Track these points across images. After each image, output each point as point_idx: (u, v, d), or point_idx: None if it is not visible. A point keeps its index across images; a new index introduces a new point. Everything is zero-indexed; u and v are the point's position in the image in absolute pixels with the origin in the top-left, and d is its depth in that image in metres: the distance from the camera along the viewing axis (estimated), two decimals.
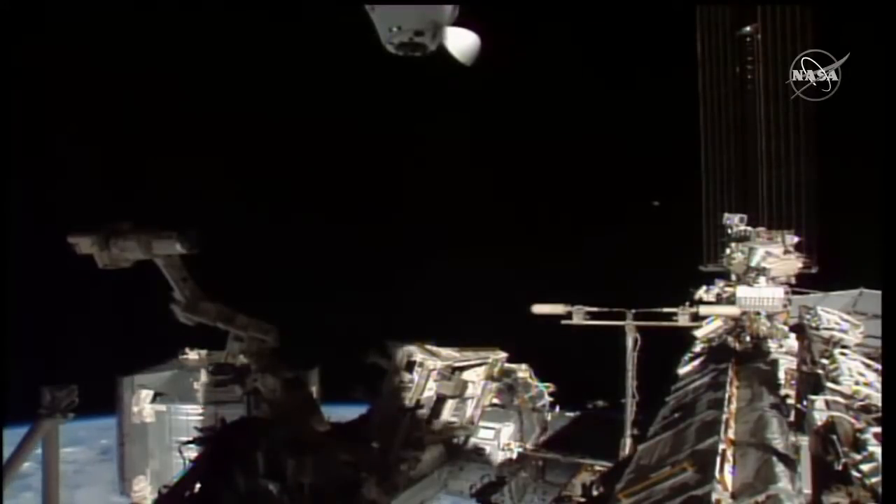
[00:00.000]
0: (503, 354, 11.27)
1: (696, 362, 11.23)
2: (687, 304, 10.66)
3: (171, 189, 27.83)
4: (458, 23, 4.08)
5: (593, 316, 10.16)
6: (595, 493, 8.94)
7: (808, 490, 4.98)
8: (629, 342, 9.98)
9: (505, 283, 27.34)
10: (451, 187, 33.61)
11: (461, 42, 4.12)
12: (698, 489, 5.10)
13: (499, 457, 11.06)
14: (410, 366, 9.42)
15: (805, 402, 5.76)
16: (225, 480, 6.84)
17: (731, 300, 11.45)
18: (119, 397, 10.54)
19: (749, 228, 14.29)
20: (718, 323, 11.62)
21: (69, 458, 28.65)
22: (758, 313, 10.86)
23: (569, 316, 10.23)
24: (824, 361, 7.24)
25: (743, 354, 10.15)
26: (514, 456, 11.13)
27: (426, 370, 9.34)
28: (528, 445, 11.59)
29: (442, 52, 4.12)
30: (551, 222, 32.63)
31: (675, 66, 23.18)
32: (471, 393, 10.44)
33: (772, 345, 10.06)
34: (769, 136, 19.83)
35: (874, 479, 4.30)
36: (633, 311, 9.97)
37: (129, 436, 10.49)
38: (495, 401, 11.81)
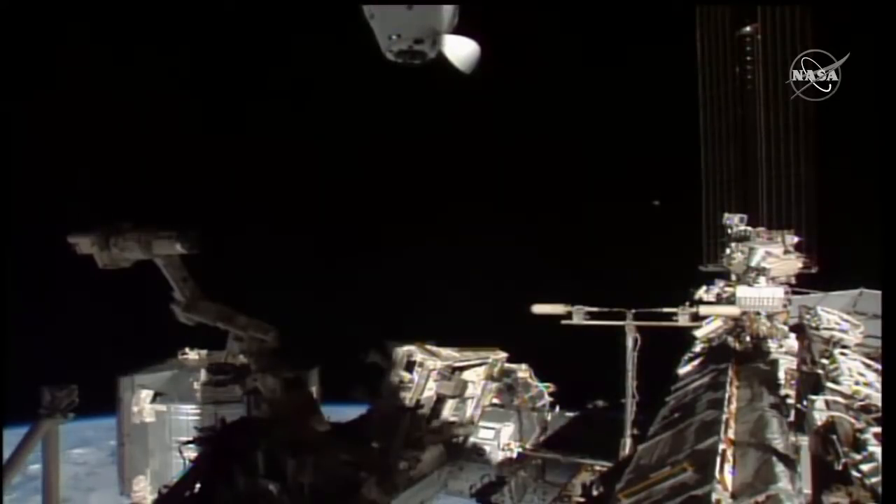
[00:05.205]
0: (503, 354, 11.27)
1: (696, 362, 11.22)
2: (687, 304, 10.65)
3: (171, 189, 27.87)
4: (458, 30, 4.08)
5: (593, 316, 10.14)
6: (595, 493, 8.93)
7: (808, 490, 4.99)
8: (629, 342, 9.97)
9: (505, 282, 27.38)
10: (450, 188, 33.65)
11: (461, 50, 4.13)
12: (698, 489, 5.10)
13: (499, 457, 11.05)
14: (410, 366, 9.43)
15: (805, 402, 5.76)
16: (225, 480, 6.85)
17: (731, 300, 11.44)
18: (119, 397, 10.54)
19: (749, 228, 14.28)
20: (718, 323, 11.62)
21: (79, 459, 28.55)
22: (758, 313, 10.86)
23: (569, 316, 10.21)
24: (824, 361, 7.23)
25: (743, 354, 10.14)
26: (514, 456, 11.12)
27: (426, 370, 9.34)
28: (528, 445, 11.58)
29: (442, 59, 4.13)
30: (552, 222, 32.64)
31: (675, 66, 23.20)
32: (471, 393, 10.44)
33: (772, 345, 10.06)
34: (769, 135, 19.84)
35: (874, 479, 4.30)
36: (633, 311, 9.95)
37: (129, 436, 10.49)
38: (495, 401, 11.81)
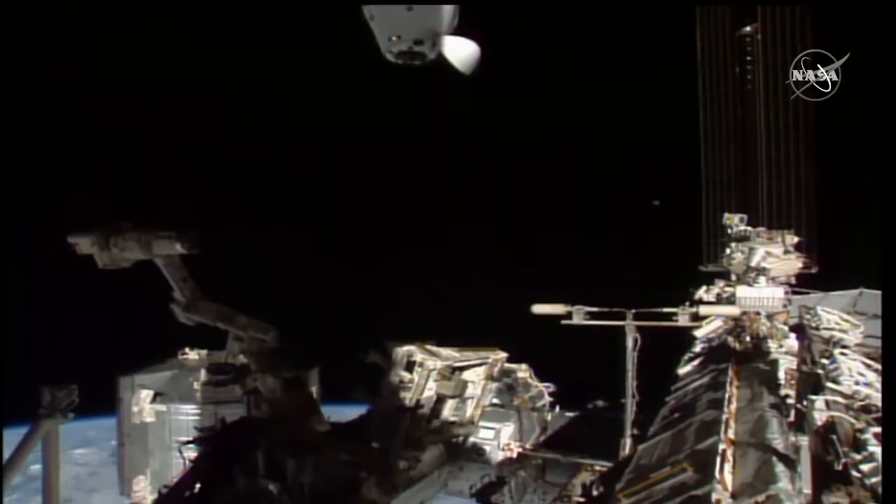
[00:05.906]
0: (503, 354, 11.27)
1: (696, 362, 11.22)
2: (687, 304, 10.64)
3: (171, 190, 27.88)
4: (458, 31, 4.09)
5: (593, 316, 10.13)
6: (595, 493, 8.93)
7: (808, 490, 4.99)
8: (629, 342, 9.96)
9: (505, 283, 27.37)
10: (451, 188, 33.65)
11: (460, 51, 4.14)
12: (698, 489, 5.10)
13: (499, 457, 11.05)
14: (410, 366, 9.43)
15: (805, 402, 5.76)
16: (225, 480, 6.85)
17: (731, 300, 11.44)
18: (119, 397, 10.54)
19: (749, 228, 14.28)
20: (718, 323, 11.62)
21: (81, 459, 28.49)
22: (758, 313, 10.86)
23: (569, 316, 10.20)
24: (824, 361, 7.23)
25: (743, 354, 10.14)
26: (514, 456, 11.12)
27: (426, 370, 9.35)
28: (528, 445, 11.58)
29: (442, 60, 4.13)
30: (551, 222, 32.64)
31: (675, 66, 23.19)
32: (471, 393, 10.44)
33: (772, 345, 10.06)
34: (769, 135, 19.85)
35: (874, 479, 4.30)
36: (633, 311, 9.95)
37: (129, 436, 10.49)
38: (495, 401, 11.82)
